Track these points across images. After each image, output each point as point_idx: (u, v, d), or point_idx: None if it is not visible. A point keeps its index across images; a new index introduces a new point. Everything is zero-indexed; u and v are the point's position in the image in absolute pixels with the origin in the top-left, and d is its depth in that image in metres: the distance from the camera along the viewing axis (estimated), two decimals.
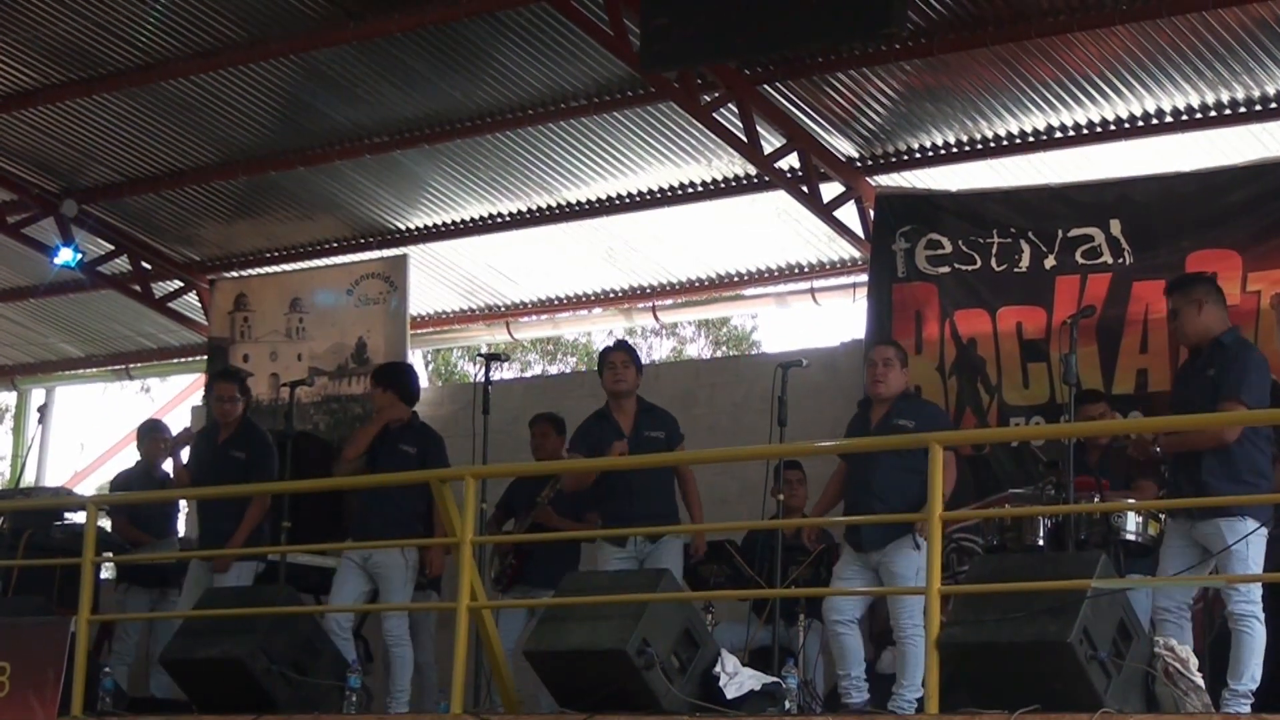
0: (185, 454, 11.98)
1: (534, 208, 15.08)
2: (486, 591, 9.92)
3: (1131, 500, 9.56)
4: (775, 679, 8.86)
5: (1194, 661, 8.06)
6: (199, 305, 17.03)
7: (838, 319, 14.65)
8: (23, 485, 15.25)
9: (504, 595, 11.52)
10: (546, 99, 13.65)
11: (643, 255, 15.42)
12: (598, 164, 14.27)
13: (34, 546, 11.92)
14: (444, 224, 15.57)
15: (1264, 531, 8.49)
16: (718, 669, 8.80)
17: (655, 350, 27.67)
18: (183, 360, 18.34)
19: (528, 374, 26.13)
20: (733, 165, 13.99)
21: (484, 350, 13.74)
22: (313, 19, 13.13)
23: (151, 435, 12.86)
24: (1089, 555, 8.40)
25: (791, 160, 13.47)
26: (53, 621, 10.50)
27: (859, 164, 13.60)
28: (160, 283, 17.03)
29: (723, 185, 14.26)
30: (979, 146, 13.17)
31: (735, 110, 13.05)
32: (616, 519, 10.37)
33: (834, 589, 9.63)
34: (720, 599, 10.83)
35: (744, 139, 13.15)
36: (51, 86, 14.35)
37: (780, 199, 14.03)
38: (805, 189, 13.56)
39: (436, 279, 16.23)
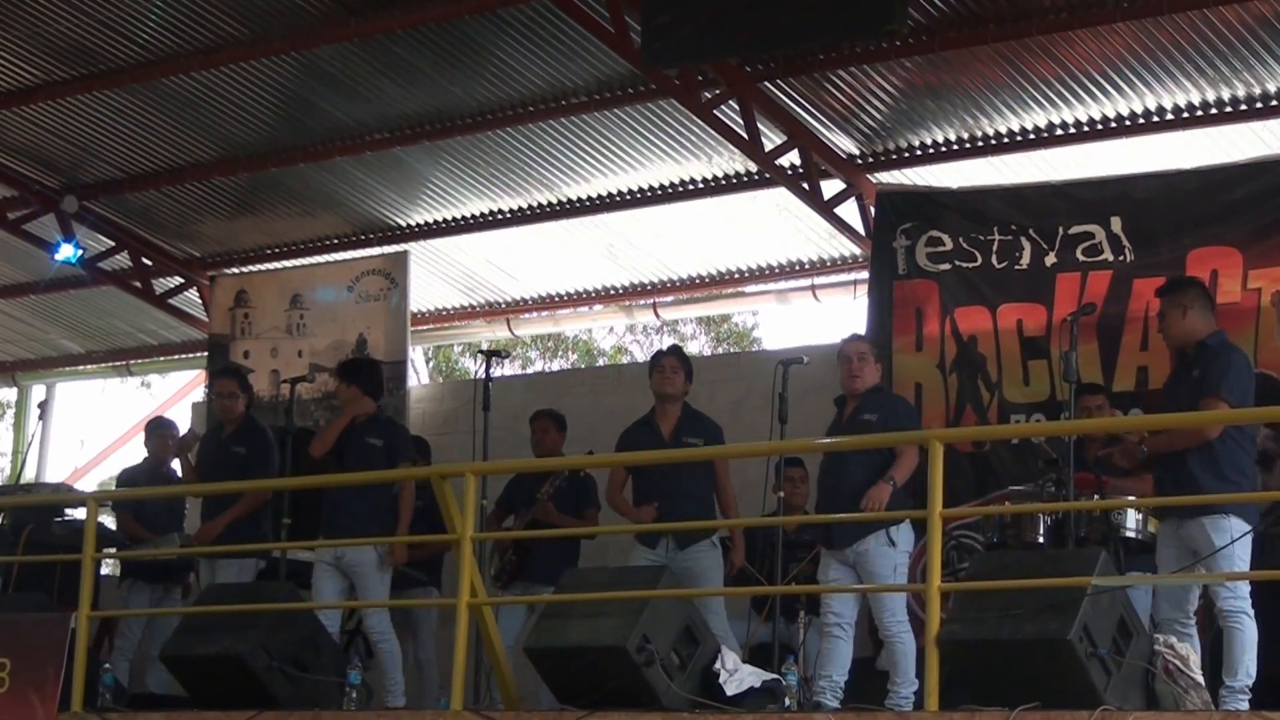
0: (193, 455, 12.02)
1: (535, 204, 15.08)
2: (487, 588, 9.92)
3: (1131, 498, 9.55)
4: (775, 676, 8.87)
5: (1194, 659, 8.07)
6: (200, 302, 17.03)
7: (838, 316, 14.66)
8: (23, 481, 15.22)
9: (504, 592, 11.52)
10: (547, 96, 13.65)
11: (643, 252, 15.42)
12: (599, 161, 14.27)
13: (34, 543, 11.92)
14: (445, 220, 15.57)
15: (1246, 526, 8.52)
16: (718, 666, 8.81)
17: (656, 347, 27.64)
18: (183, 357, 18.35)
19: (528, 370, 26.12)
20: (733, 162, 13.99)
21: (485, 347, 13.76)
22: (314, 16, 13.14)
23: (159, 433, 12.87)
24: (1089, 552, 8.41)
25: (792, 157, 13.46)
26: (53, 618, 10.50)
27: (860, 161, 13.60)
28: (161, 279, 17.03)
29: (723, 182, 14.25)
30: (980, 144, 13.17)
31: (736, 107, 13.05)
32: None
33: (834, 587, 9.60)
34: (720, 595, 10.80)
35: (745, 136, 13.15)
36: (53, 83, 14.35)
37: (781, 196, 14.03)
38: (806, 186, 13.56)
39: (437, 275, 16.23)
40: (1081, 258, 12.29)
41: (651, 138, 13.87)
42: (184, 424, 14.10)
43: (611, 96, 13.50)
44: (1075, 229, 12.33)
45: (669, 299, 16.10)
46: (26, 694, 10.09)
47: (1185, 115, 12.41)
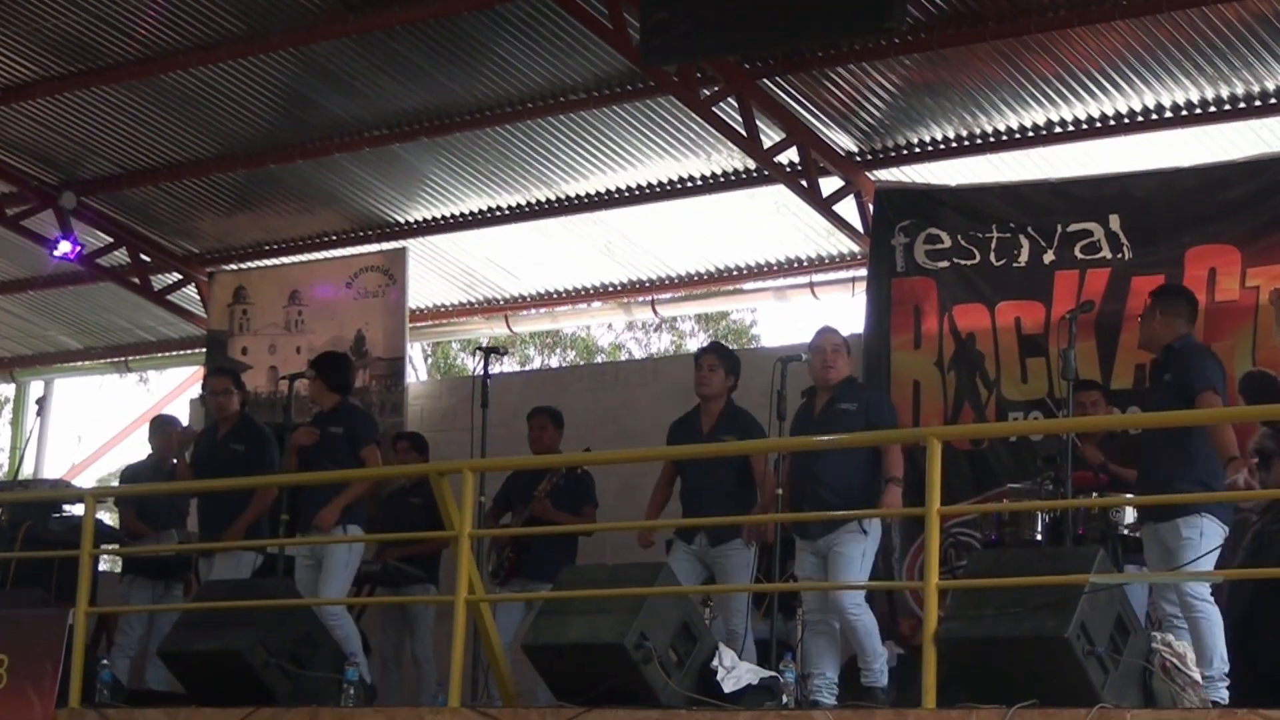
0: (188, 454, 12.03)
1: (533, 201, 15.08)
2: (484, 585, 9.92)
3: (1130, 496, 9.57)
4: (773, 673, 8.86)
5: (1191, 656, 8.07)
6: (198, 298, 17.03)
7: (837, 313, 14.66)
8: (21, 477, 15.22)
9: (502, 589, 11.52)
10: (546, 92, 13.65)
11: (642, 249, 15.42)
12: (597, 158, 14.27)
13: (32, 539, 11.91)
14: (443, 217, 15.57)
15: (1219, 527, 8.68)
16: (715, 663, 8.81)
17: (654, 344, 27.69)
18: (181, 353, 18.35)
19: (527, 367, 26.13)
20: (732, 159, 13.99)
21: (483, 344, 13.75)
22: (312, 12, 13.13)
23: (163, 430, 12.86)
24: (1087, 550, 8.42)
25: (791, 154, 13.46)
26: (51, 614, 10.50)
27: (858, 158, 13.60)
28: (159, 275, 17.03)
29: (722, 179, 14.25)
30: (978, 141, 13.17)
31: (735, 104, 13.05)
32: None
33: (815, 584, 9.60)
34: (718, 593, 10.80)
35: (743, 133, 13.15)
36: (51, 79, 14.35)
37: (779, 193, 14.03)
38: (804, 183, 13.56)
39: (435, 272, 16.23)
40: (1080, 255, 12.28)
41: (650, 135, 13.87)
42: (184, 421, 14.08)
43: (610, 93, 13.50)
44: (1074, 227, 12.33)
45: (667, 296, 16.10)
46: (24, 690, 10.08)
47: (1184, 113, 12.42)
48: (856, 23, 11.44)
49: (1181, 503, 8.64)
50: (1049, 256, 12.40)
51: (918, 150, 13.42)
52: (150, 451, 12.88)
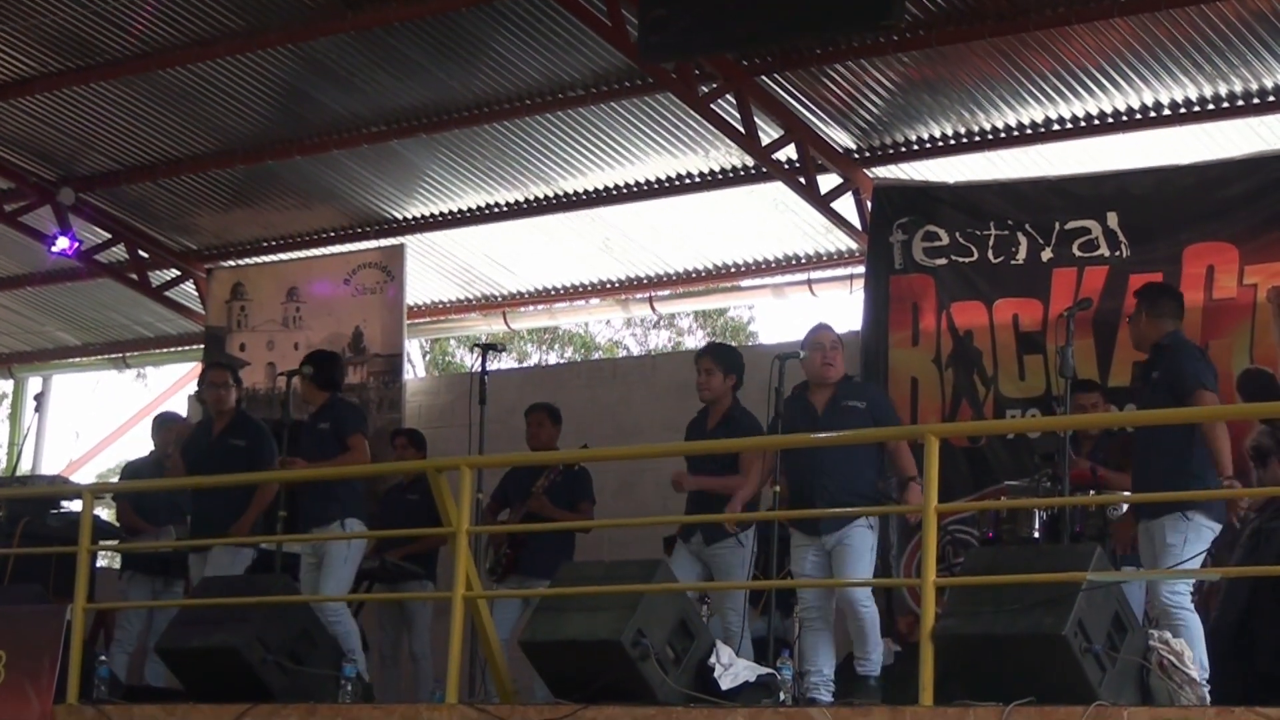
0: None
1: (531, 198, 15.07)
2: (482, 581, 9.92)
3: (1126, 494, 9.57)
4: (770, 670, 8.86)
5: (1188, 655, 8.07)
6: (196, 294, 17.03)
7: (835, 310, 14.66)
8: (19, 473, 15.25)
9: (499, 585, 11.52)
10: (544, 89, 13.65)
11: (640, 246, 15.42)
12: (595, 154, 14.27)
13: (30, 535, 11.91)
14: (441, 214, 15.56)
15: (1208, 526, 8.70)
16: (713, 660, 8.81)
17: (652, 341, 27.69)
18: (180, 349, 18.33)
19: (524, 364, 26.13)
20: (730, 156, 13.99)
21: (481, 340, 13.76)
22: (310, 8, 13.14)
23: (166, 427, 12.86)
24: (1084, 548, 8.42)
25: (789, 151, 13.46)
26: (48, 609, 10.50)
27: (856, 156, 13.60)
28: (157, 271, 17.02)
29: (720, 176, 14.25)
30: (976, 139, 13.17)
31: (733, 101, 13.05)
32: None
33: (815, 582, 9.60)
34: (716, 590, 10.81)
35: (741, 130, 13.15)
36: (49, 75, 14.35)
37: (777, 190, 14.03)
38: (802, 180, 13.56)
39: (433, 269, 16.23)
40: (1078, 253, 12.28)
41: (648, 131, 13.86)
42: (184, 417, 14.09)
43: (608, 90, 13.50)
44: (1072, 224, 12.32)
45: (665, 293, 16.09)
46: (22, 685, 10.08)
47: (1182, 111, 12.42)
48: (855, 20, 11.45)
49: (1177, 500, 8.64)
50: (1047, 254, 12.39)
51: (916, 147, 13.43)
52: (152, 448, 12.89)
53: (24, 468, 16.30)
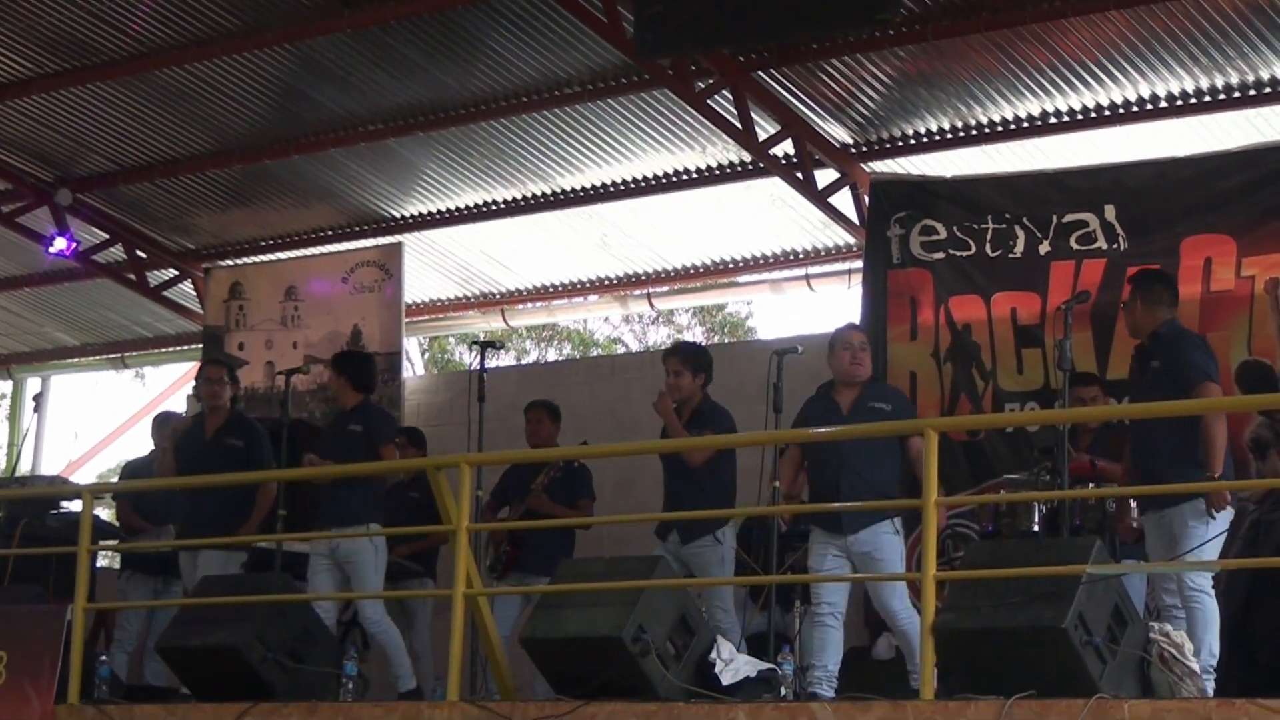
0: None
1: (529, 195, 15.08)
2: (482, 579, 9.93)
3: (1127, 487, 9.56)
4: (771, 665, 8.86)
5: (1189, 646, 8.08)
6: (194, 294, 17.03)
7: (833, 305, 14.68)
8: (18, 474, 15.24)
9: (499, 582, 11.52)
10: (541, 86, 13.65)
11: (638, 242, 15.42)
12: (592, 151, 14.27)
13: (30, 535, 11.90)
14: (439, 211, 15.56)
15: (1227, 512, 8.71)
16: (713, 655, 8.81)
17: (651, 337, 27.69)
18: (178, 349, 18.33)
19: (523, 361, 26.13)
20: (727, 152, 14.00)
21: (479, 338, 13.76)
22: (307, 7, 13.14)
23: (166, 426, 12.85)
24: (1084, 541, 8.42)
25: (786, 147, 13.46)
26: (49, 610, 10.50)
27: (853, 150, 13.60)
28: (155, 271, 17.02)
29: (717, 172, 14.26)
30: (973, 132, 13.18)
31: (730, 97, 13.05)
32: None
33: (829, 576, 9.60)
34: (716, 585, 10.82)
35: (738, 125, 13.15)
36: (46, 76, 14.35)
37: (775, 186, 14.03)
38: (800, 175, 13.56)
39: (431, 266, 16.23)
40: (1075, 246, 12.28)
41: (645, 128, 13.87)
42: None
43: (605, 87, 13.50)
44: (1069, 217, 12.32)
45: (663, 289, 16.11)
46: (23, 686, 10.08)
47: (1179, 103, 12.42)
48: (851, 15, 11.45)
49: (1181, 492, 8.64)
50: (1044, 247, 12.39)
51: (913, 142, 13.43)
52: (152, 448, 12.88)
53: (23, 468, 16.30)
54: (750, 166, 13.98)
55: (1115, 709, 7.35)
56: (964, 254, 12.67)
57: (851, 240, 14.24)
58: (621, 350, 27.24)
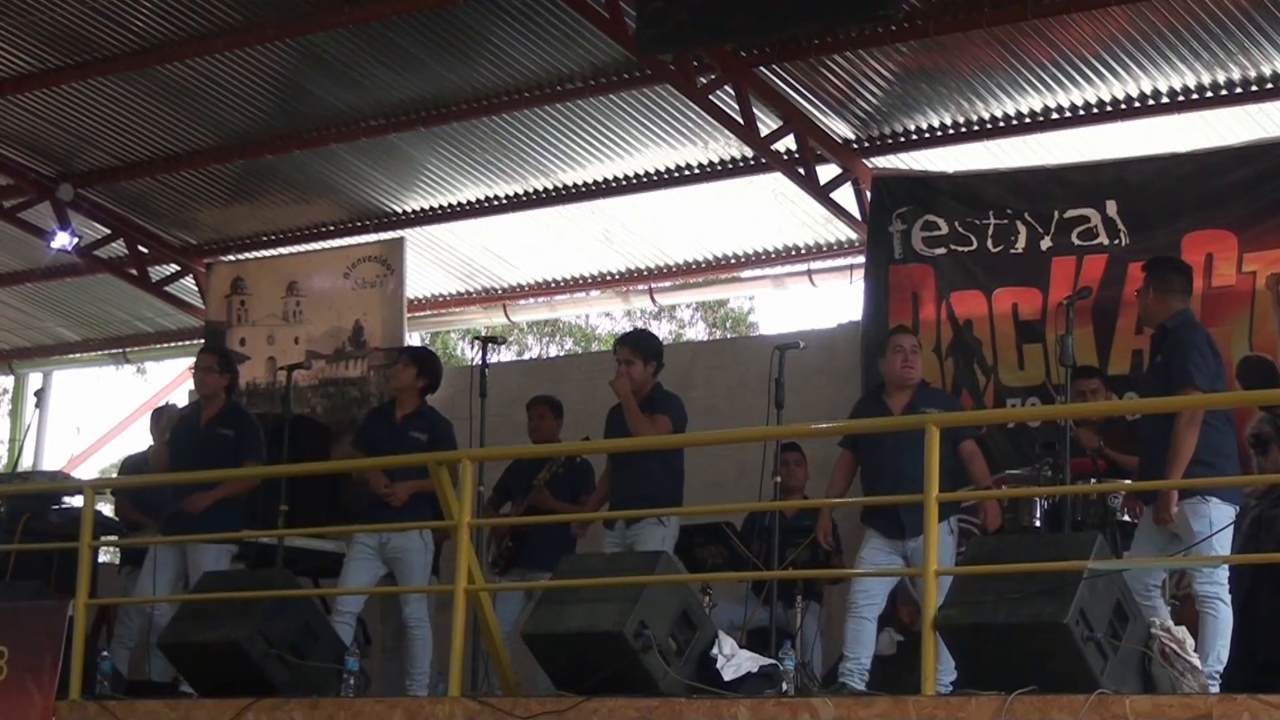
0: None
1: (530, 190, 15.07)
2: (484, 574, 9.93)
3: (1128, 482, 9.57)
4: (773, 661, 8.87)
5: (1190, 643, 8.08)
6: (195, 289, 17.03)
7: (835, 301, 14.72)
8: (20, 469, 15.24)
9: (501, 578, 11.53)
10: (542, 81, 13.65)
11: (640, 238, 15.42)
12: (594, 146, 14.27)
13: (31, 530, 11.90)
14: (440, 207, 15.56)
15: (1230, 511, 8.62)
16: (715, 651, 8.81)
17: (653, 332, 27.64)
18: (180, 344, 18.33)
19: (525, 357, 26.14)
20: (729, 147, 13.99)
21: (481, 333, 13.75)
22: (308, 2, 13.14)
23: (164, 420, 12.85)
24: (1085, 536, 8.41)
25: (788, 142, 13.46)
26: (50, 605, 10.50)
27: (855, 146, 13.60)
28: (157, 266, 17.02)
29: (719, 167, 14.25)
30: (975, 128, 13.17)
31: (731, 92, 13.05)
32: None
33: (830, 574, 9.61)
34: (718, 580, 10.83)
35: (740, 121, 13.15)
36: (47, 71, 14.34)
37: (777, 181, 14.02)
38: (802, 171, 13.56)
39: (433, 262, 16.23)
40: (1077, 242, 12.29)
41: (647, 123, 13.86)
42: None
43: (607, 82, 13.50)
44: (1070, 213, 12.34)
45: (665, 284, 16.11)
46: (24, 682, 10.09)
47: (1181, 99, 12.41)
48: (853, 10, 11.45)
49: (1185, 488, 8.63)
50: (1046, 243, 12.41)
51: (915, 137, 13.42)
52: (152, 442, 12.88)
53: (25, 464, 16.28)
54: (752, 162, 13.97)
55: (1117, 704, 7.36)
56: (965, 249, 12.68)
57: (853, 235, 14.23)
58: None
